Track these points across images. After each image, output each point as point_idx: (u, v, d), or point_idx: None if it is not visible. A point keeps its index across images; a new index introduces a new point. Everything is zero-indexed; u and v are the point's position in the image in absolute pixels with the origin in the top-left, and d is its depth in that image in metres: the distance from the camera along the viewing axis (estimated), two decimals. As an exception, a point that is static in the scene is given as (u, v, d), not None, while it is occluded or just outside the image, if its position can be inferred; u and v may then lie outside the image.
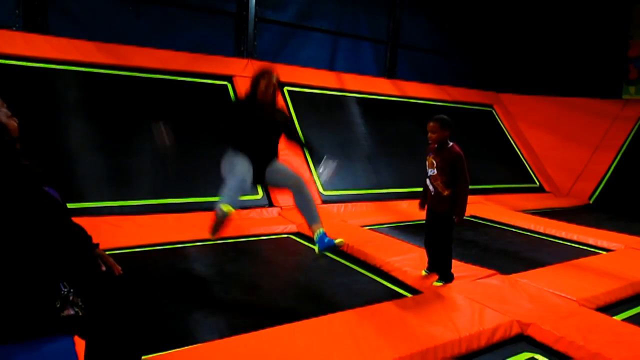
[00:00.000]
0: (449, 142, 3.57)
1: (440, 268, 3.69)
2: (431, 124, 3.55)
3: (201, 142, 5.94)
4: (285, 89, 7.38)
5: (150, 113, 6.00)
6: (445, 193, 3.53)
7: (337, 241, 3.51)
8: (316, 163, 3.69)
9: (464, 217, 3.57)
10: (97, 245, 2.15)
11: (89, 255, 2.08)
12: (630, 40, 9.85)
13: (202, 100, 6.58)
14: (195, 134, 6.10)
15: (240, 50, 7.66)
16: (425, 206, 3.76)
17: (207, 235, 3.96)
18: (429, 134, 3.57)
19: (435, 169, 3.56)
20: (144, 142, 5.74)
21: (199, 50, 7.08)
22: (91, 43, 6.14)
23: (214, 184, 4.70)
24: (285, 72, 7.64)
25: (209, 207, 5.38)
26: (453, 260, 3.71)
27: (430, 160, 3.59)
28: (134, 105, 6.02)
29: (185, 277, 3.83)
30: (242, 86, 6.85)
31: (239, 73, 7.02)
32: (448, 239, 3.65)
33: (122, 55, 6.25)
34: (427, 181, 3.67)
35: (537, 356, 2.80)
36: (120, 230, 4.69)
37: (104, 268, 2.08)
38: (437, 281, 3.65)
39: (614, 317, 3.30)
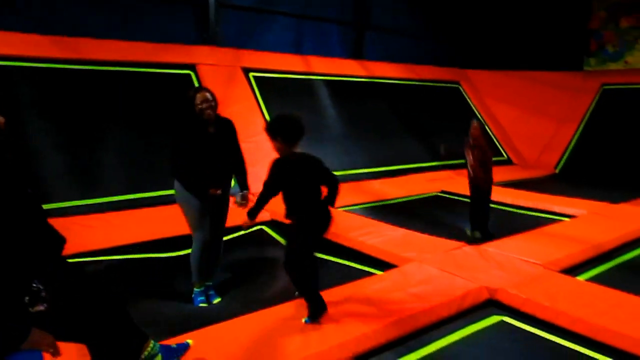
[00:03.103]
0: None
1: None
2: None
3: (168, 133, 5.86)
4: (252, 74, 7.32)
5: (112, 107, 5.87)
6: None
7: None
8: (238, 187, 3.55)
9: None
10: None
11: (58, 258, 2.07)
12: (590, 13, 10.07)
13: (166, 91, 6.45)
14: (161, 125, 6.02)
15: (203, 37, 7.53)
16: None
17: (181, 229, 3.99)
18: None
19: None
20: (107, 137, 5.62)
21: (160, 40, 6.91)
22: (44, 37, 5.87)
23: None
24: (251, 57, 7.59)
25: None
26: (425, 235, 3.81)
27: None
28: (95, 100, 5.84)
29: (163, 271, 3.81)
30: (206, 74, 6.77)
31: (203, 61, 6.92)
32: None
33: (79, 49, 6.02)
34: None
35: (505, 319, 2.92)
36: (91, 230, 4.50)
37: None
38: None
39: (577, 278, 3.46)
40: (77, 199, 5.07)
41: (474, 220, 4.91)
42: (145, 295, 3.34)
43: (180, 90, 6.52)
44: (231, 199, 3.58)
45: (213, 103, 3.37)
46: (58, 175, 5.15)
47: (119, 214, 5.00)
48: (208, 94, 3.36)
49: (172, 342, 2.29)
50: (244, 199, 3.51)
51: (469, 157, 4.99)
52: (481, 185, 5.00)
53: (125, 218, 4.90)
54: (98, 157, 5.51)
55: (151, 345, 2.07)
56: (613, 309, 2.78)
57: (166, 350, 2.14)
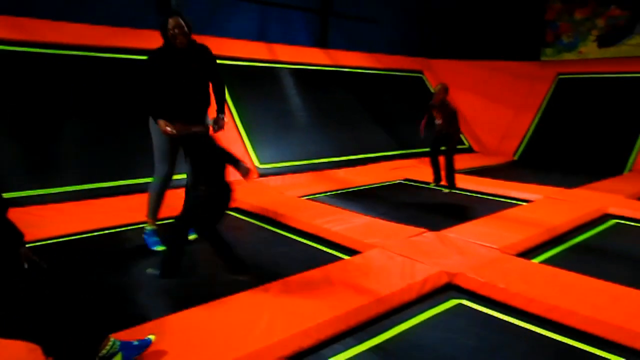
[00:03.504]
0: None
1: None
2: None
3: (128, 121, 5.73)
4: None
5: (68, 92, 5.66)
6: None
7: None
8: (217, 113, 3.65)
9: None
10: (24, 243, 2.08)
11: (11, 255, 2.01)
12: (546, 5, 10.37)
13: (126, 77, 6.28)
14: (121, 113, 5.87)
15: (164, 23, 7.34)
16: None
17: (141, 218, 3.97)
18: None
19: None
20: (62, 124, 5.44)
21: (119, 24, 6.70)
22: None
23: (143, 165, 4.56)
24: (213, 44, 7.37)
25: (138, 189, 5.24)
26: (388, 222, 3.91)
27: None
28: (49, 85, 5.60)
29: (120, 261, 3.73)
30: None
31: (165, 47, 6.75)
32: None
33: (31, 30, 5.74)
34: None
35: (463, 302, 3.01)
36: (45, 220, 4.38)
37: (26, 266, 2.03)
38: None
39: (532, 261, 3.59)
40: (31, 189, 4.90)
41: (451, 173, 6.04)
42: (103, 285, 3.27)
43: (142, 77, 6.39)
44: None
45: (186, 29, 3.30)
46: (9, 164, 4.95)
47: (76, 205, 4.89)
48: (180, 20, 3.30)
49: (134, 335, 2.26)
50: (217, 123, 3.54)
51: (438, 119, 5.99)
52: (450, 139, 6.00)
53: (82, 208, 4.80)
54: (52, 145, 5.32)
55: (110, 342, 2.03)
56: (565, 289, 2.91)
57: (127, 347, 2.10)
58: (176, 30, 3.28)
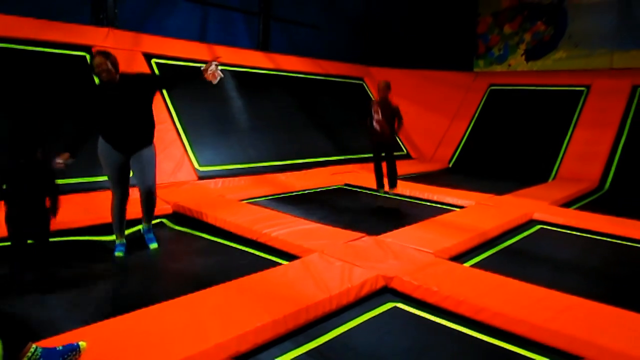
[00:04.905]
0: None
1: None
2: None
3: (62, 118, 5.43)
4: (153, 60, 6.99)
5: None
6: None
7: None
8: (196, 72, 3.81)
9: None
10: None
11: None
12: (478, 18, 10.91)
13: (61, 72, 5.97)
14: (54, 108, 5.57)
15: (99, 18, 7.04)
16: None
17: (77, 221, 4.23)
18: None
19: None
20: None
21: (49, 17, 6.35)
22: None
23: (81, 164, 4.37)
24: (151, 42, 7.24)
25: (73, 188, 5.01)
26: (327, 226, 4.00)
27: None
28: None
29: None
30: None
31: (99, 43, 6.47)
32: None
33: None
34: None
35: (399, 304, 3.10)
36: None
37: None
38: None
39: (464, 264, 3.76)
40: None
41: (395, 176, 6.18)
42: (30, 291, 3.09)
43: (77, 71, 6.11)
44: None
45: (108, 66, 3.57)
46: None
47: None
48: (101, 58, 3.57)
49: (62, 343, 2.14)
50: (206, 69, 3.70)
51: (376, 114, 6.01)
52: (386, 139, 6.07)
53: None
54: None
55: (32, 349, 1.93)
56: (494, 291, 3.06)
57: (50, 353, 2.00)
58: (98, 69, 3.59)
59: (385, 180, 6.27)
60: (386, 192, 6.34)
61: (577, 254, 4.29)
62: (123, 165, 3.81)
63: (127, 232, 4.20)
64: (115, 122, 3.69)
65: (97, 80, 4.03)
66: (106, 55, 3.60)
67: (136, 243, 4.16)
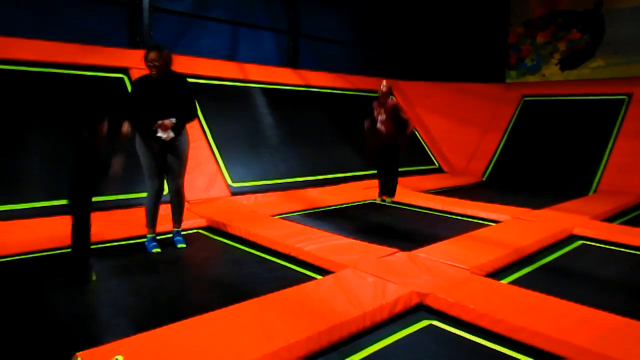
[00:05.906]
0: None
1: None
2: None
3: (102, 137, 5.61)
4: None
5: (37, 110, 5.55)
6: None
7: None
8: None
9: None
10: None
11: None
12: (509, 28, 10.76)
13: (98, 94, 6.20)
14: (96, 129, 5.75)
15: (135, 41, 7.30)
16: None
17: (108, 236, 4.46)
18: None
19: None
20: (33, 140, 5.34)
21: (90, 41, 6.63)
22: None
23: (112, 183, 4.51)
24: (184, 63, 7.40)
25: (105, 206, 5.14)
26: (360, 241, 4.05)
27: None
28: (20, 102, 5.52)
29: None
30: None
31: (136, 65, 6.67)
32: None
33: (2, 48, 5.68)
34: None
35: (434, 322, 3.02)
36: (11, 236, 4.32)
37: None
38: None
39: (501, 281, 3.65)
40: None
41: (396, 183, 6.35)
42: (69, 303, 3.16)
43: (114, 93, 6.32)
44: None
45: (156, 63, 3.93)
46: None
47: (43, 220, 4.79)
48: (156, 54, 3.93)
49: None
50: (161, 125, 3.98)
51: (381, 116, 6.05)
52: (391, 140, 6.10)
53: (49, 224, 4.68)
54: (20, 161, 5.22)
55: None
56: (532, 310, 2.95)
57: None
58: (148, 64, 3.96)
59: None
60: (383, 201, 6.45)
61: (623, 272, 4.10)
62: (161, 155, 4.10)
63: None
64: (158, 113, 3.97)
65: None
66: (160, 51, 3.95)
67: (169, 253, 4.23)
